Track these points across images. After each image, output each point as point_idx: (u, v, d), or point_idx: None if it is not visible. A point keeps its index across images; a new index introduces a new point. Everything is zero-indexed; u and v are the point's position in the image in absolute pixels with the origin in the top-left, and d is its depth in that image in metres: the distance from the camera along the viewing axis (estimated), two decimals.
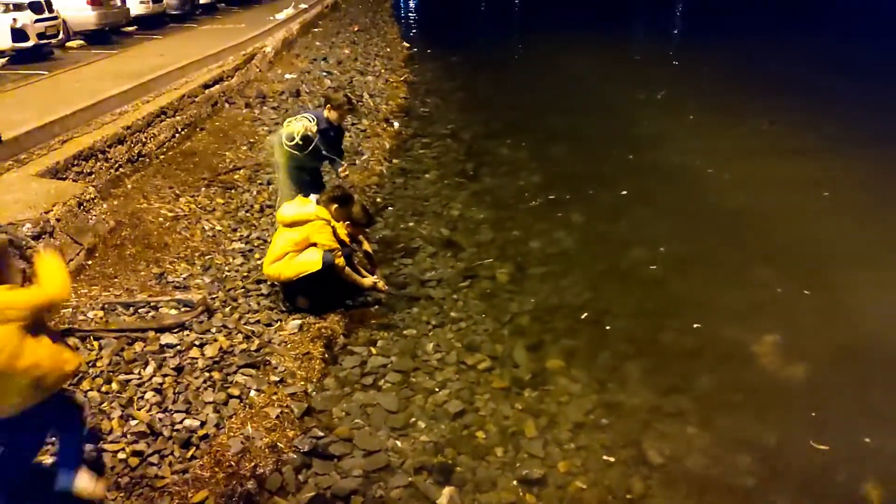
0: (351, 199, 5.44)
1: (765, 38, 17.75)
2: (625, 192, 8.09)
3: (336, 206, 5.23)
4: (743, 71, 15.22)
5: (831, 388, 4.55)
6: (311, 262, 4.95)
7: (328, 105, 6.00)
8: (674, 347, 5.01)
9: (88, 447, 3.43)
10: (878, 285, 5.83)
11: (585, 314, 5.44)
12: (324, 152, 5.89)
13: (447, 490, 3.66)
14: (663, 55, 17.59)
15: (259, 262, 5.68)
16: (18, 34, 10.86)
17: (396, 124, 10.87)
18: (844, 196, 7.81)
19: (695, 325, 5.25)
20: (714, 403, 4.40)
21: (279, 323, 4.96)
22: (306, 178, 6.07)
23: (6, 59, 10.97)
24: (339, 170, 6.03)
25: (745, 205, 7.58)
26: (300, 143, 5.76)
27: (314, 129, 5.77)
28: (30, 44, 11.08)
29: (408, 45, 19.22)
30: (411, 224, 7.18)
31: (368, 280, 5.46)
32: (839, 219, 7.20)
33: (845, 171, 8.55)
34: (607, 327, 5.28)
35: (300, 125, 5.75)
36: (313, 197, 5.66)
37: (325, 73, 12.89)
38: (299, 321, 5.02)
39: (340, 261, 5.11)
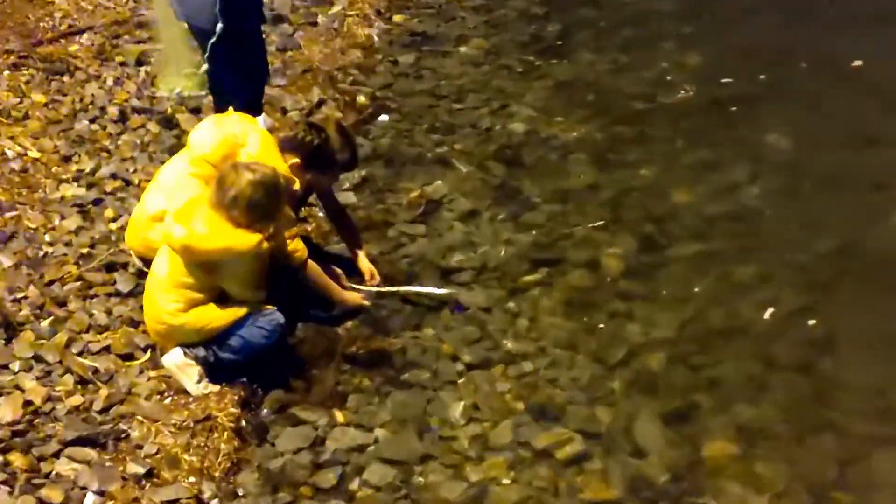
0: (333, 162, 3.07)
1: None
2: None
3: (296, 160, 2.92)
4: None
5: None
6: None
7: None
8: None
9: None
10: None
11: (783, 343, 2.88)
12: None
13: None
14: None
15: (115, 225, 3.42)
16: None
17: None
18: None
19: None
20: None
21: (150, 352, 2.84)
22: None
23: None
24: None
25: None
26: None
27: None
28: None
29: None
30: (429, 151, 4.24)
31: (352, 297, 3.17)
32: None
33: None
34: (824, 379, 2.73)
35: None
36: (261, 120, 3.52)
37: None
38: None
39: (303, 252, 2.90)
